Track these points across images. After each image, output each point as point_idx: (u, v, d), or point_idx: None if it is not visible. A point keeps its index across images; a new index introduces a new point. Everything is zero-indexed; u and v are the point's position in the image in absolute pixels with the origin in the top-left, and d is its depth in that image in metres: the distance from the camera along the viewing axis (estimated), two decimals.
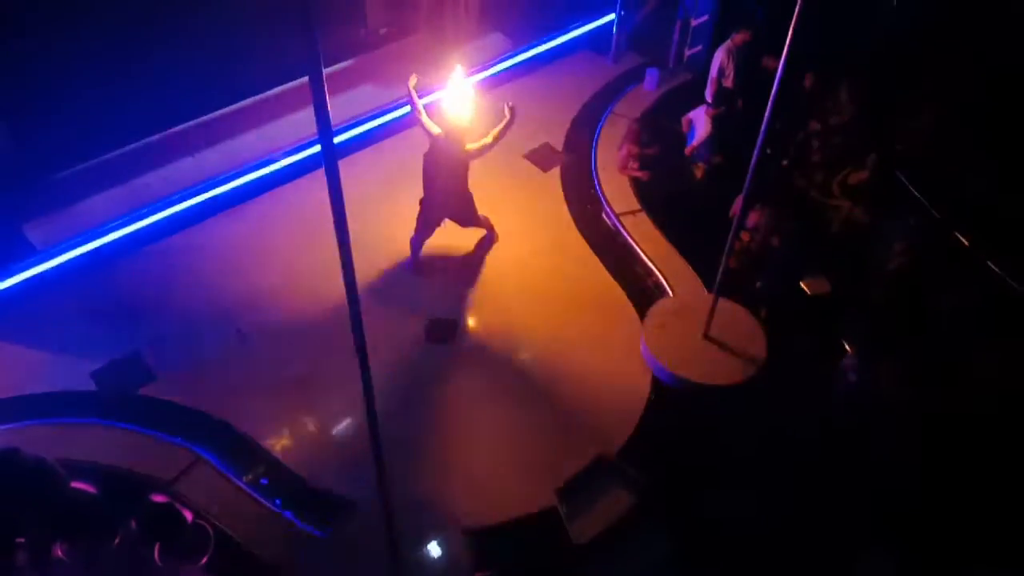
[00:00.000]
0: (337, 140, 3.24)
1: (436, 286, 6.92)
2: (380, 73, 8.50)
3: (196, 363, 6.23)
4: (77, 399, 5.98)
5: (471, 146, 6.35)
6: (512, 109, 6.41)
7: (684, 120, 8.14)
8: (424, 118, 6.27)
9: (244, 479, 5.54)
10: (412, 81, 6.33)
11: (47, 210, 6.97)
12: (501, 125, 6.40)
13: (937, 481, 5.50)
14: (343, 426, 5.94)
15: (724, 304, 6.31)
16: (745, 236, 6.70)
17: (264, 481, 5.56)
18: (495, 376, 6.32)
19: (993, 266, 6.90)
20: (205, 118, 7.78)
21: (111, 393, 6.03)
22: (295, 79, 8.04)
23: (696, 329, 6.35)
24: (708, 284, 6.73)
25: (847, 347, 6.09)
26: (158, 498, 4.07)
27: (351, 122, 8.07)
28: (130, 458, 5.55)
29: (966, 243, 7.04)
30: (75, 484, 3.98)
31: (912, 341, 6.25)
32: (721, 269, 5.94)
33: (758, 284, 6.76)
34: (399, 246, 7.04)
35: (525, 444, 5.86)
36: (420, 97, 6.45)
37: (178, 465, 5.54)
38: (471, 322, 6.69)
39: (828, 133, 7.57)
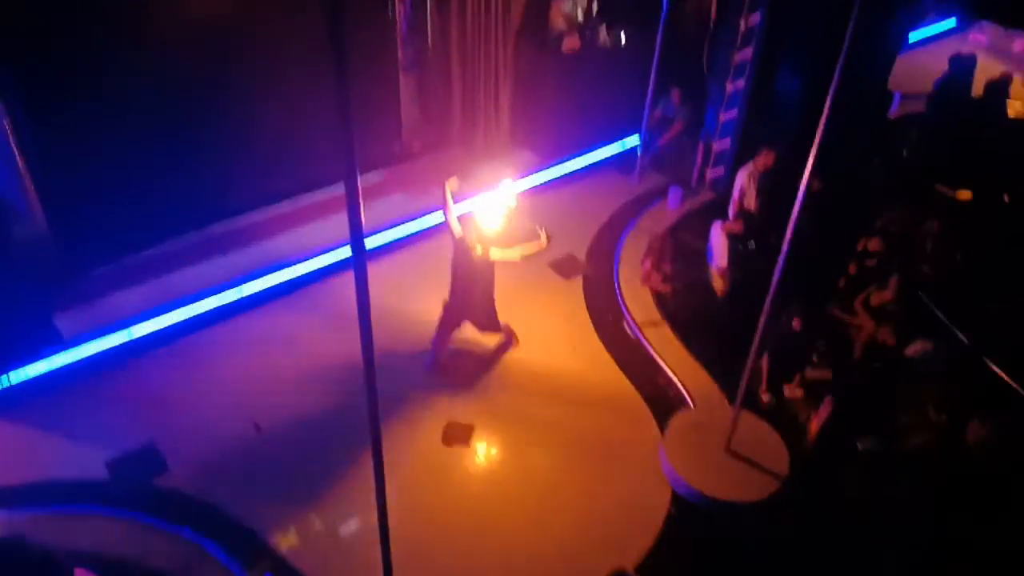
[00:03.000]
0: (368, 244, 3.35)
1: (455, 389, 6.92)
2: (412, 183, 8.83)
3: (212, 456, 6.21)
4: (88, 487, 5.95)
5: (496, 254, 6.49)
6: (549, 238, 6.56)
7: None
8: (452, 219, 6.40)
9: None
10: (452, 184, 6.41)
11: (79, 302, 7.13)
12: (533, 249, 6.53)
13: None
14: (353, 527, 5.81)
15: (747, 417, 6.23)
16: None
17: None
18: (511, 482, 6.21)
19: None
20: (241, 220, 8.09)
21: (123, 483, 6.00)
22: (331, 185, 8.38)
23: (718, 443, 6.23)
24: (730, 397, 6.67)
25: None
26: None
27: (381, 227, 8.34)
28: (135, 549, 5.47)
29: (996, 370, 6.89)
30: (79, 572, 3.93)
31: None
32: (743, 382, 5.90)
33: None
34: (420, 347, 7.08)
35: (540, 554, 5.69)
36: (456, 202, 6.58)
37: (183, 557, 5.44)
38: (489, 426, 6.63)
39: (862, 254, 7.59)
